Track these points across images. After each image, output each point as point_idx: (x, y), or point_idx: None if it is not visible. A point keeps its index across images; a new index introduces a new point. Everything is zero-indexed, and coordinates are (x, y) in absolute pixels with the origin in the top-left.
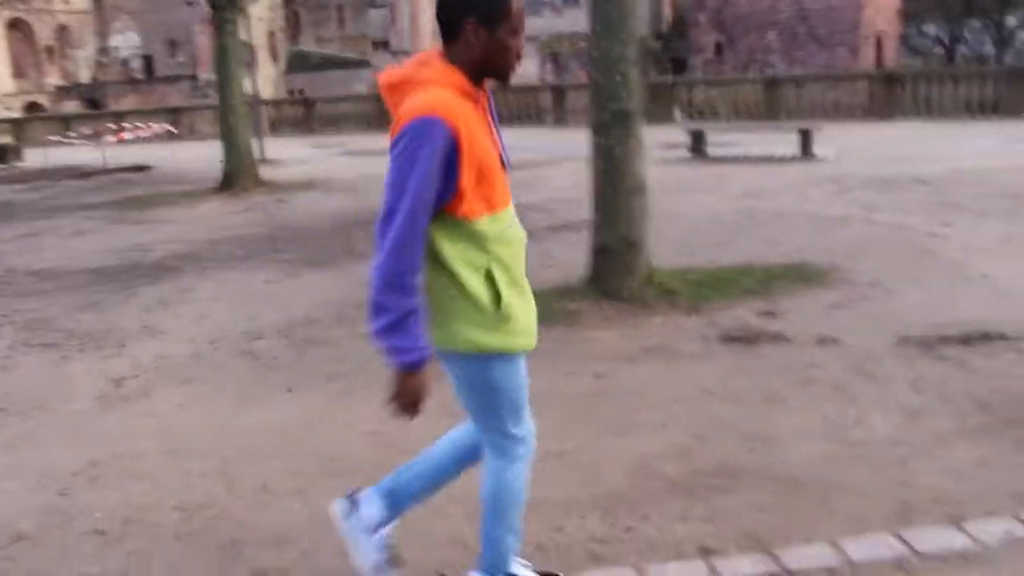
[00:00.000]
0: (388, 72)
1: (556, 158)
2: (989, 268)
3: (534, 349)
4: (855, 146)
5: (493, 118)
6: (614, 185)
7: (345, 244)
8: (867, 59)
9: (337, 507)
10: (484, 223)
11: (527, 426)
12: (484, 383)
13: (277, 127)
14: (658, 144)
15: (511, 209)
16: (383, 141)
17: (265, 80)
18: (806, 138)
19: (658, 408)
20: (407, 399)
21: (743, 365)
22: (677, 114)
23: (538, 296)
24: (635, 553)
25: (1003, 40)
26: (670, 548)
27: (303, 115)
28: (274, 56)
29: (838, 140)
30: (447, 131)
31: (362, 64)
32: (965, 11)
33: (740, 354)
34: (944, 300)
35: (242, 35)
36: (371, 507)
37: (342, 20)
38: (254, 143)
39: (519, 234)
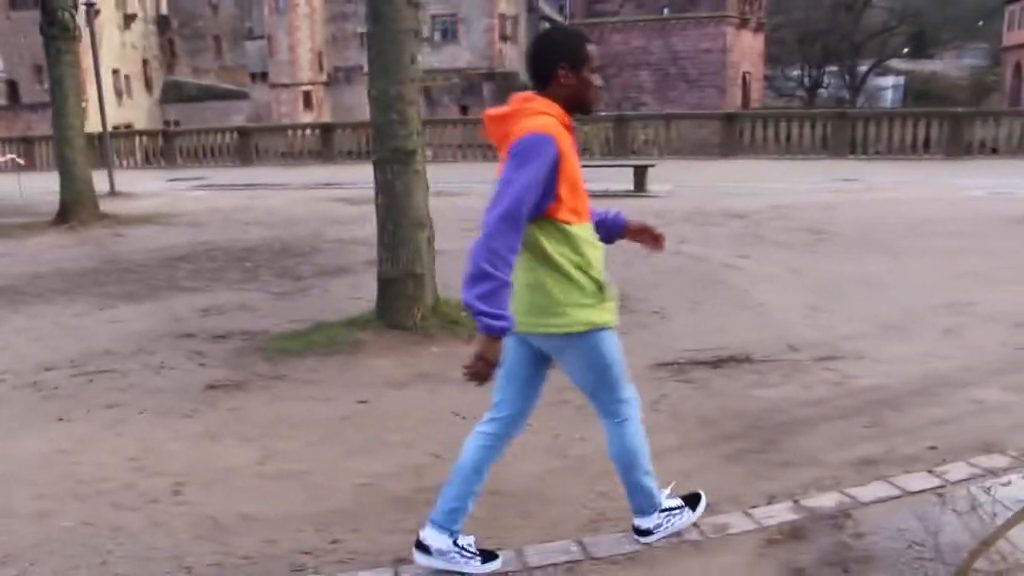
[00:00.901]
0: (496, 108)
1: None
2: (767, 297)
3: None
4: (694, 182)
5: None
6: (395, 219)
7: (168, 278)
8: (734, 99)
9: (418, 559)
10: (576, 228)
11: (631, 390)
12: (598, 356)
13: (138, 159)
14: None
15: (591, 224)
16: (247, 174)
17: (138, 110)
18: (639, 175)
19: (407, 430)
20: (487, 362)
21: None
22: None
23: (330, 327)
24: (334, 563)
25: (856, 85)
26: (368, 558)
27: (164, 147)
28: (148, 85)
29: (682, 176)
30: (555, 148)
31: (240, 96)
32: (824, 58)
33: None
34: (715, 326)
35: (111, 61)
36: (436, 539)
37: (219, 51)
38: (104, 175)
39: (600, 242)
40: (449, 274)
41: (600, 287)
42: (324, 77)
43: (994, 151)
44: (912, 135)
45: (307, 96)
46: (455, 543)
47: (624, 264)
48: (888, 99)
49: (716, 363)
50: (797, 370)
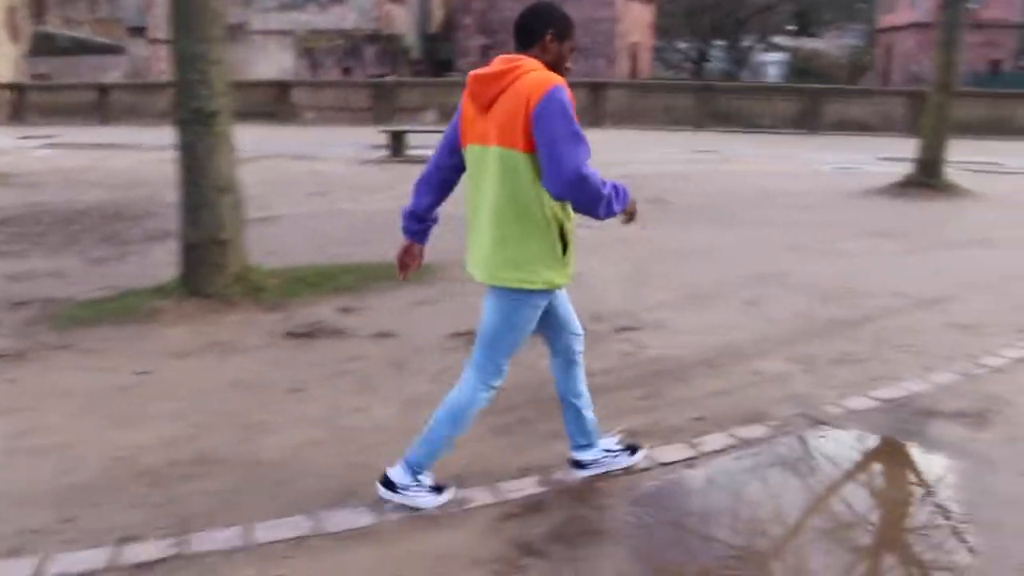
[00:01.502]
0: (485, 68)
1: (267, 154)
2: (591, 266)
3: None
4: None
5: None
6: (196, 182)
7: None
8: (623, 69)
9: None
10: None
11: (507, 365)
12: (521, 317)
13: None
14: (367, 145)
15: None
16: (102, 134)
17: (3, 62)
18: None
19: (178, 401)
20: (635, 212)
21: (290, 359)
22: (431, 115)
23: (134, 295)
24: (58, 543)
25: (740, 60)
26: (95, 537)
27: (16, 102)
28: (14, 36)
29: None
30: (572, 101)
31: (116, 50)
32: (711, 32)
33: (295, 348)
34: None
35: None
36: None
37: (94, 1)
38: None
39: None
40: (278, 240)
41: (565, 251)
42: None
43: (854, 127)
44: (774, 109)
45: None
46: (601, 452)
47: (451, 231)
48: (773, 74)
49: None
50: (595, 340)
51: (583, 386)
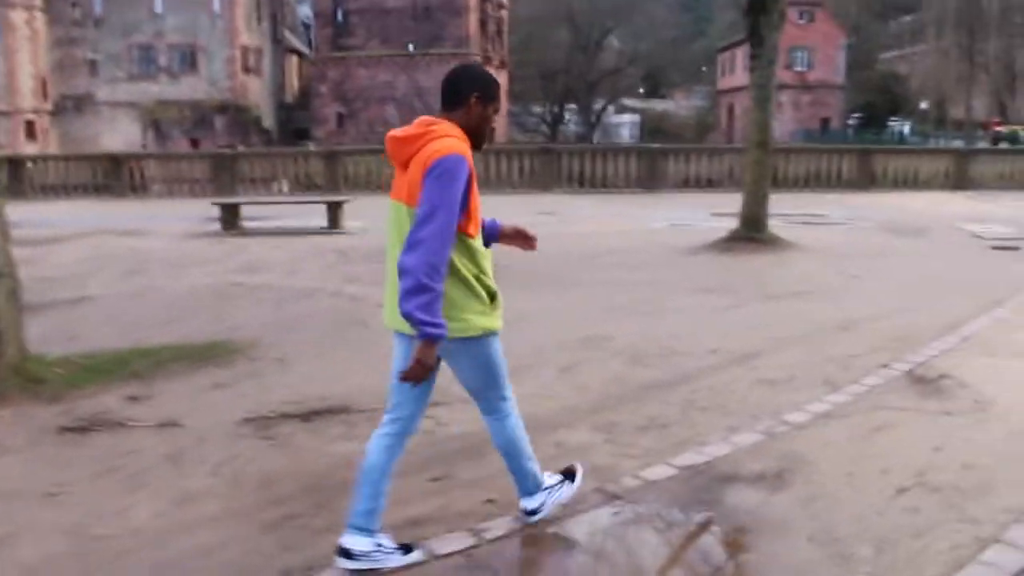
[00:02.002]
0: (401, 129)
1: (90, 230)
2: None
3: None
4: None
5: None
6: None
7: None
8: None
9: (343, 564)
10: (476, 241)
11: (510, 389)
12: (487, 358)
13: None
14: (203, 217)
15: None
16: None
17: None
18: (333, 210)
19: None
20: (425, 365)
21: (58, 457)
22: (284, 185)
23: None
24: None
25: (592, 122)
26: None
27: None
28: None
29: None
30: (468, 167)
31: None
32: (564, 95)
33: (66, 445)
34: (333, 373)
35: None
36: (357, 543)
37: None
38: None
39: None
40: (83, 324)
41: (492, 296)
42: (50, 106)
43: (694, 185)
44: (613, 169)
45: (30, 125)
46: (376, 543)
47: (276, 307)
48: (626, 134)
49: (308, 416)
50: None
51: (391, 471)
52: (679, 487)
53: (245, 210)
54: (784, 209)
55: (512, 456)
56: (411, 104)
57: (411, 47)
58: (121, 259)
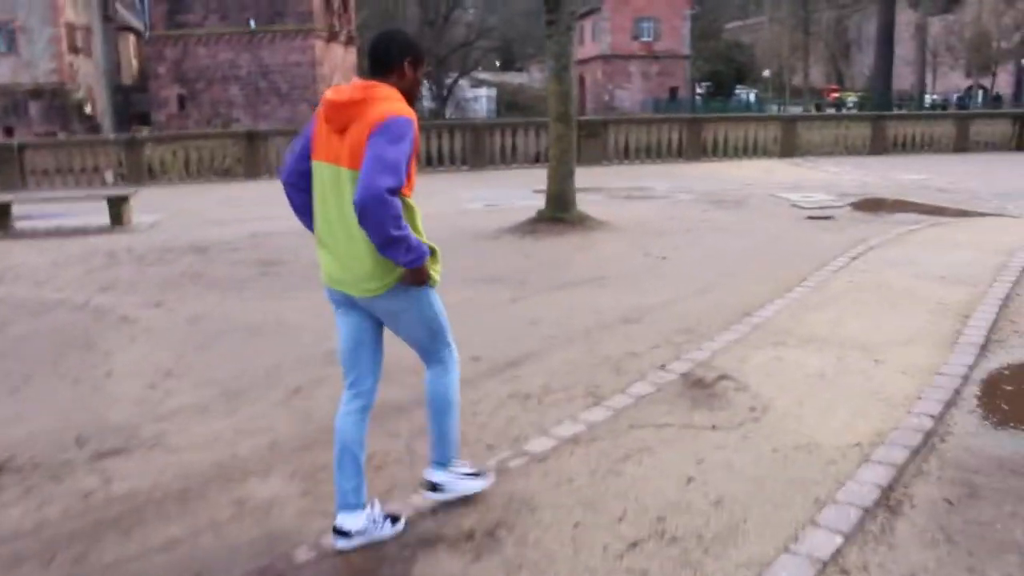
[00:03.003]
0: (339, 91)
1: None
2: (126, 361)
3: None
4: (198, 209)
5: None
6: None
7: None
8: None
9: (341, 544)
10: (411, 200)
11: (453, 340)
12: (429, 308)
13: None
14: None
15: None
16: None
17: None
18: (116, 206)
19: None
20: (424, 278)
21: None
22: (108, 176)
23: None
24: None
25: (443, 96)
26: None
27: None
28: None
29: (188, 202)
30: (415, 129)
31: None
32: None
33: None
34: (18, 412)
35: None
36: (352, 521)
37: None
38: None
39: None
40: None
41: (432, 250)
42: None
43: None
44: (436, 147)
45: None
46: (371, 518)
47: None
48: (483, 108)
49: None
50: (54, 477)
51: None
52: (364, 560)
53: (32, 208)
54: (609, 183)
55: (441, 413)
56: (256, 84)
57: (252, 23)
58: None
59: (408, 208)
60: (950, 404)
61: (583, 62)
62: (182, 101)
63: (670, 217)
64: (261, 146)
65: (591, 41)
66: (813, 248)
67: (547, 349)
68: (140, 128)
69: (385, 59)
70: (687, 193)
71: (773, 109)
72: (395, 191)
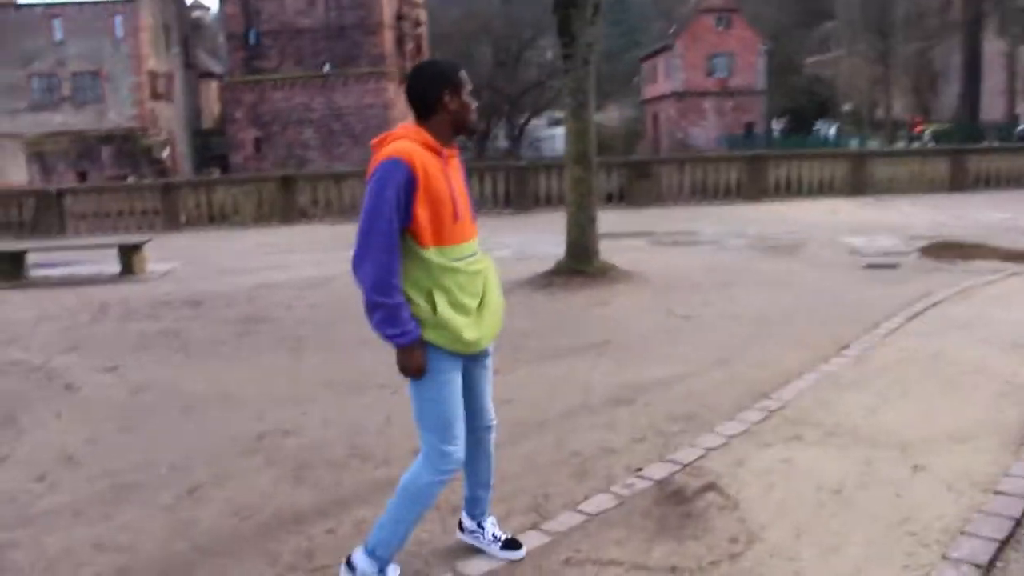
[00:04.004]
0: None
1: None
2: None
3: None
4: (217, 257)
5: (464, 173)
6: None
7: None
8: None
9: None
10: (432, 253)
11: (455, 447)
12: (420, 390)
13: None
14: None
15: (466, 246)
16: None
17: None
18: (127, 255)
19: None
20: (411, 368)
21: None
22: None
23: None
24: None
25: (516, 136)
26: None
27: None
28: None
29: (209, 248)
30: (405, 168)
31: None
32: (490, 111)
33: None
34: None
35: None
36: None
37: None
38: None
39: (473, 267)
40: None
41: (435, 311)
42: None
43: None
44: (479, 191)
45: None
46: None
47: None
48: (558, 147)
49: None
50: None
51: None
52: None
53: (57, 255)
54: (656, 226)
55: (396, 499)
56: (329, 126)
57: (327, 67)
58: None
59: (419, 257)
60: (1007, 543)
61: (656, 100)
62: (258, 144)
63: (709, 268)
64: (295, 191)
65: (664, 78)
66: (865, 305)
67: (508, 441)
68: (211, 171)
69: (421, 100)
70: (738, 238)
71: (853, 144)
72: (372, 245)
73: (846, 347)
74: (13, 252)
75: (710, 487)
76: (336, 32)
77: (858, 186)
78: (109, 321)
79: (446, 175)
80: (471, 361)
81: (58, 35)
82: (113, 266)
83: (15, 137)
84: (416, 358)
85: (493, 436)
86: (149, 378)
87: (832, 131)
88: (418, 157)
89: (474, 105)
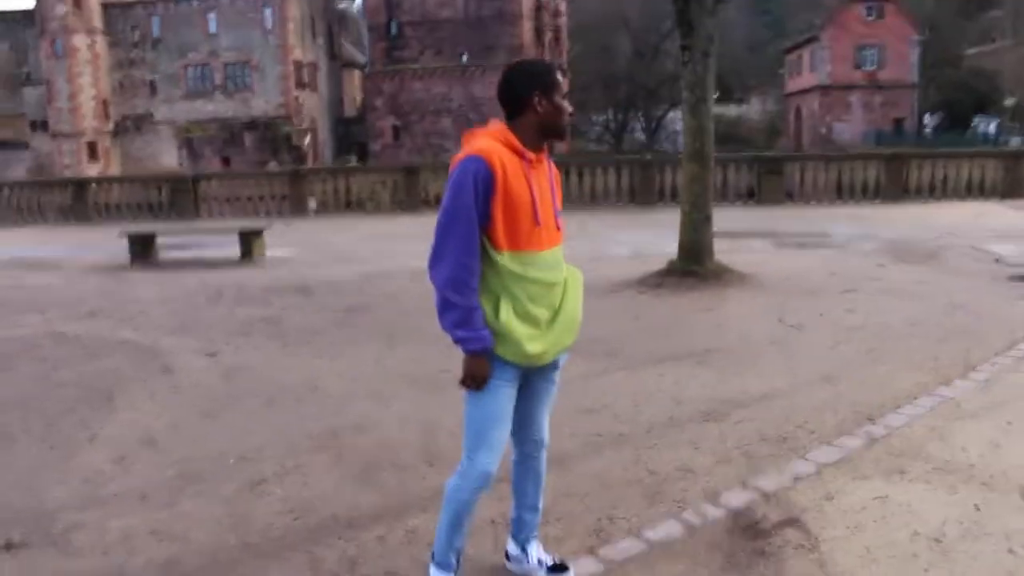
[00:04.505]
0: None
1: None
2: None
3: None
4: (340, 243)
5: (551, 179)
6: None
7: None
8: None
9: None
10: (505, 258)
11: (489, 460)
12: (469, 404)
13: None
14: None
15: (545, 255)
16: None
17: None
18: (247, 241)
19: None
20: (474, 377)
21: None
22: (312, 203)
23: None
24: None
25: (653, 129)
26: None
27: None
28: None
29: (332, 237)
30: (484, 166)
31: (19, 145)
32: (627, 103)
33: None
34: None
35: None
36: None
37: None
38: None
39: (549, 277)
40: None
41: (497, 318)
42: (111, 126)
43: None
44: (603, 184)
45: (92, 146)
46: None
47: (53, 367)
48: None
49: None
50: None
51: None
52: None
53: (188, 238)
54: (783, 227)
55: (443, 511)
56: (466, 116)
57: (465, 58)
58: None
59: (492, 260)
60: None
61: (799, 93)
62: (396, 132)
63: (832, 272)
64: (418, 180)
65: (809, 71)
66: (1003, 322)
67: (584, 453)
68: (348, 158)
69: (514, 102)
70: (870, 241)
71: (1015, 142)
72: (448, 246)
73: (974, 369)
74: (144, 235)
75: (791, 522)
76: (475, 23)
77: (1012, 189)
78: (221, 305)
79: (528, 178)
80: (536, 374)
81: (213, 27)
82: (237, 250)
83: (170, 124)
84: (483, 367)
85: (543, 455)
86: (243, 364)
87: (992, 127)
88: (498, 156)
89: (568, 109)
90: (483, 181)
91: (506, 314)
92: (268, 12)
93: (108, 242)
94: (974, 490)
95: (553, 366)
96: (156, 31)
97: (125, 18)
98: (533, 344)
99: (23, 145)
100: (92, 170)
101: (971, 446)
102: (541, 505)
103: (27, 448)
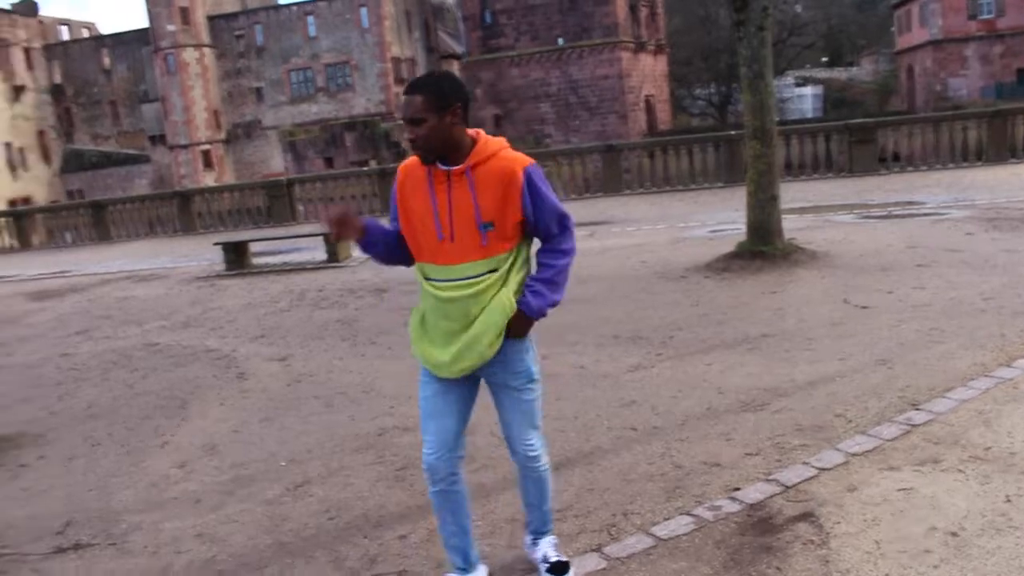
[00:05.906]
0: None
1: (104, 279)
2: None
3: None
4: None
5: (472, 191)
6: None
7: None
8: (638, 123)
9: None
10: (416, 266)
11: (425, 449)
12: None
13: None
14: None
15: (451, 269)
16: None
17: (36, 182)
18: (331, 244)
19: None
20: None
21: None
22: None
23: None
24: None
25: None
26: None
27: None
28: (46, 156)
29: None
30: (397, 178)
31: (141, 159)
32: (730, 74)
33: None
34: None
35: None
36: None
37: (117, 116)
38: None
39: (441, 294)
40: None
41: (409, 322)
42: (223, 135)
43: (791, 170)
44: (688, 163)
45: (206, 155)
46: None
47: (143, 376)
48: (808, 108)
49: None
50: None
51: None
52: None
53: (283, 243)
54: (873, 197)
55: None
56: (566, 99)
57: (560, 41)
58: (92, 315)
59: (419, 267)
60: None
61: (910, 51)
62: (498, 120)
63: (913, 245)
64: None
65: (919, 27)
66: None
67: (615, 448)
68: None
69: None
70: (964, 208)
71: None
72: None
73: None
74: (237, 243)
75: (804, 517)
76: (567, 5)
77: None
78: (301, 309)
79: (432, 191)
80: (493, 384)
81: (312, 31)
82: (318, 253)
83: (277, 129)
84: (346, 222)
85: (538, 467)
86: (311, 368)
87: None
88: (408, 169)
89: (411, 136)
90: (393, 191)
91: (414, 317)
92: (364, 11)
93: (210, 251)
94: (1010, 480)
95: (507, 379)
96: (260, 39)
97: (230, 29)
98: (429, 352)
99: (145, 159)
100: (208, 179)
101: (1019, 431)
102: (547, 507)
103: (108, 453)
